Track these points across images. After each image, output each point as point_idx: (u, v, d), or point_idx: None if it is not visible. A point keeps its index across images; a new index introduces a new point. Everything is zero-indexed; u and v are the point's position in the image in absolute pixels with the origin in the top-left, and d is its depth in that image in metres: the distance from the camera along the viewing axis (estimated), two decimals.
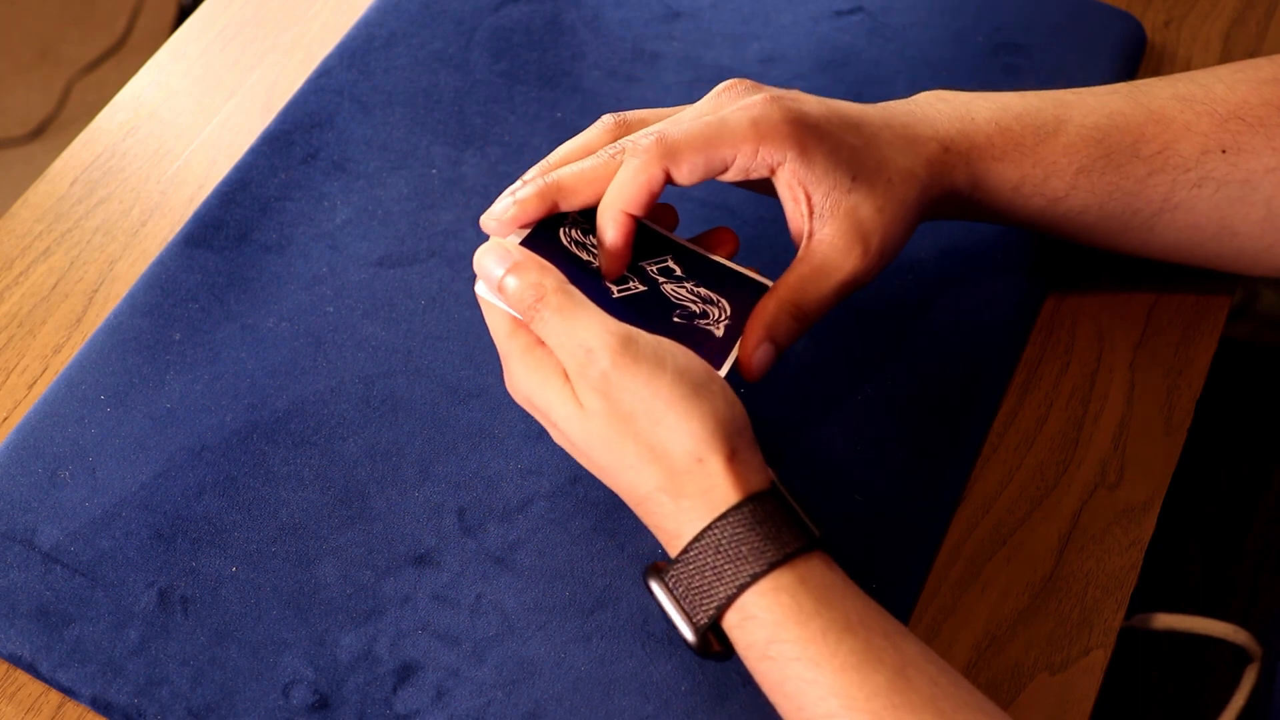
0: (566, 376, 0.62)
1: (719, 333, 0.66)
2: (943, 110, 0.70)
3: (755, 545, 0.59)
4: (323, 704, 0.66)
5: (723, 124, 0.65)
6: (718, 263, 0.68)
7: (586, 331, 0.61)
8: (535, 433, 0.73)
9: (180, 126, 0.87)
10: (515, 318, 0.64)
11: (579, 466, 0.71)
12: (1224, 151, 0.69)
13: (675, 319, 0.66)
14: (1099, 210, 0.70)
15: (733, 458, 0.60)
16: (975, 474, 0.74)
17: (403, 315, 0.77)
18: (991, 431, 0.75)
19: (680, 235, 0.70)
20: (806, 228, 0.66)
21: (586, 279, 0.66)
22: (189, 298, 0.78)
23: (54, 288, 0.80)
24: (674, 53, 0.88)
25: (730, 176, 0.66)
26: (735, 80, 0.68)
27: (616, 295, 0.66)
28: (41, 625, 0.68)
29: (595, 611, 0.68)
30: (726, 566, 0.59)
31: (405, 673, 0.67)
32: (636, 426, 0.60)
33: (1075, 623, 0.69)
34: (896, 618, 0.61)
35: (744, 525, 0.59)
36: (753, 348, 0.65)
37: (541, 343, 0.63)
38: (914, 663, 0.58)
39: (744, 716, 0.65)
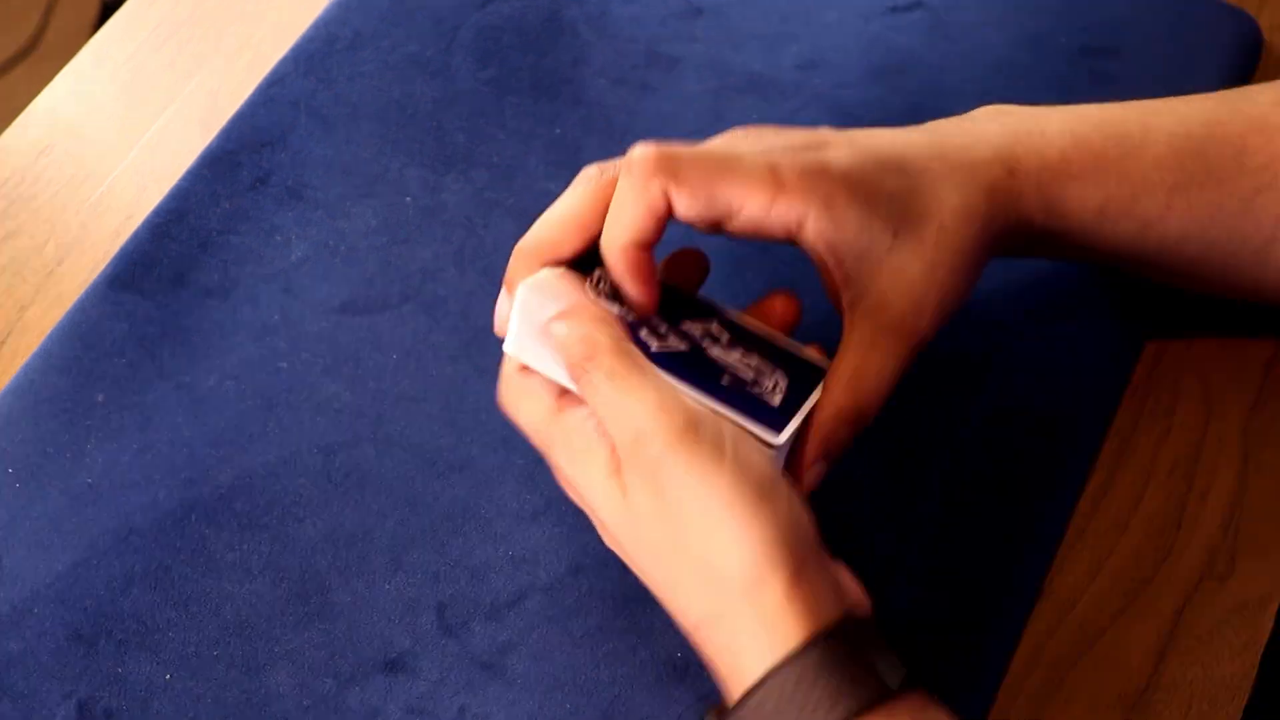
0: (615, 463, 0.63)
1: (775, 403, 0.66)
2: (1007, 124, 0.70)
3: (822, 698, 0.58)
4: None
5: (738, 159, 0.65)
6: (769, 341, 0.69)
7: (642, 406, 0.61)
8: (530, 513, 0.75)
9: (103, 145, 0.89)
10: (560, 389, 0.65)
11: (580, 554, 0.73)
12: None
13: (724, 383, 0.66)
14: (1200, 236, 0.71)
15: (797, 579, 0.59)
16: (1057, 563, 0.75)
17: (370, 372, 0.79)
18: (1077, 512, 0.76)
19: (725, 301, 0.71)
20: (846, 298, 0.67)
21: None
22: (114, 351, 0.80)
23: None
24: (695, 56, 0.90)
25: (741, 230, 0.66)
26: (753, 126, 0.69)
27: (656, 350, 0.66)
28: None
29: None
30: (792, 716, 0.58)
31: None
32: (688, 536, 0.60)
33: None
34: None
35: (809, 671, 0.58)
36: (808, 466, 0.66)
37: (588, 425, 0.64)
38: None
39: None
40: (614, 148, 0.69)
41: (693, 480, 0.60)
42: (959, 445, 0.77)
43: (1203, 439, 0.78)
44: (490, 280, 0.82)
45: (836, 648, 0.59)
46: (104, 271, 0.83)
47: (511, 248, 0.68)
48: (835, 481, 0.75)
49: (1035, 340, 0.80)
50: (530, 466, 0.75)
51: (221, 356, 0.80)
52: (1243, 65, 0.90)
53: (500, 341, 0.67)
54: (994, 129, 0.70)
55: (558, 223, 0.67)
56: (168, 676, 0.71)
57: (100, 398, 0.78)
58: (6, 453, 0.77)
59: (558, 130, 0.87)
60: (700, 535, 0.60)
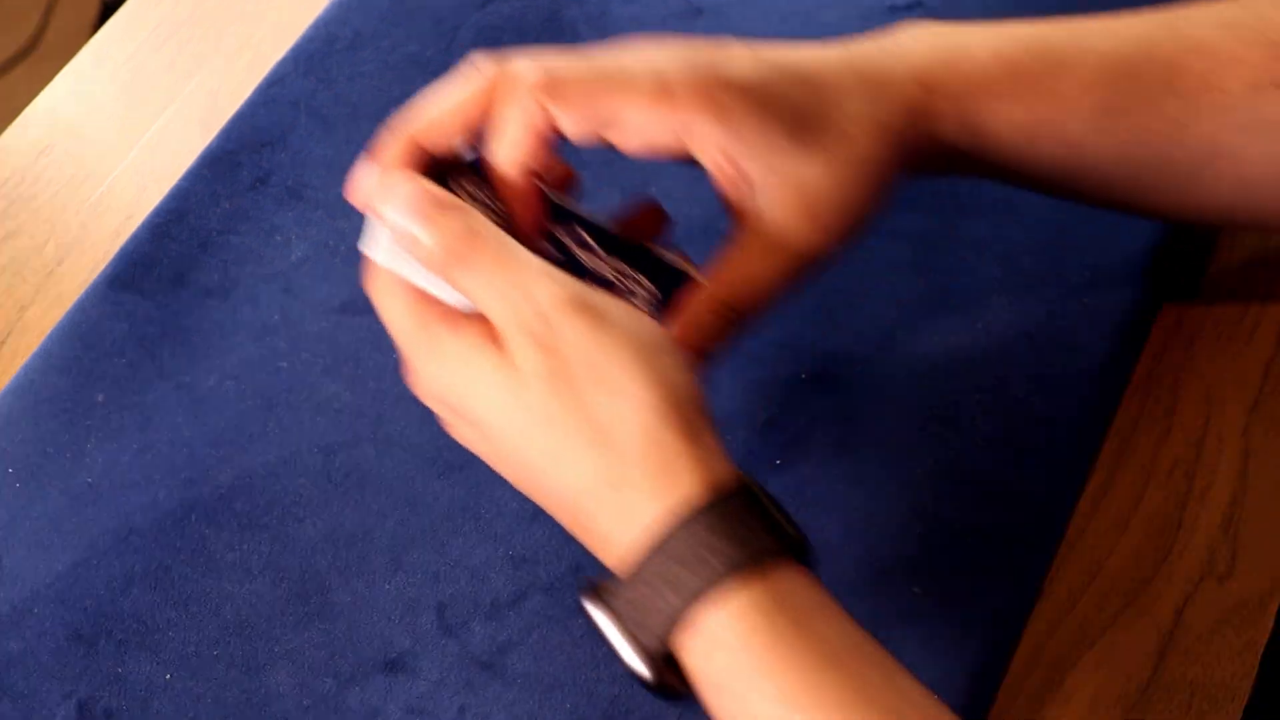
0: (495, 341, 0.61)
1: (640, 307, 0.65)
2: (928, 42, 0.68)
3: (720, 551, 0.57)
4: None
5: (621, 69, 0.64)
6: (636, 244, 0.68)
7: (528, 275, 0.60)
8: (530, 513, 0.75)
9: (104, 145, 0.89)
10: (420, 292, 0.63)
11: (582, 553, 0.73)
12: (1279, 88, 0.68)
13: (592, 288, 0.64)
14: (1128, 160, 0.69)
15: (691, 438, 0.59)
16: (1057, 563, 0.75)
17: (370, 372, 0.80)
18: (1076, 512, 0.76)
19: (594, 211, 0.70)
20: (740, 205, 0.65)
21: None
22: (114, 351, 0.81)
23: None
24: None
25: (630, 144, 0.65)
26: (652, 35, 0.68)
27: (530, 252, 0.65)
28: None
29: None
30: (685, 577, 0.57)
31: None
32: (580, 394, 0.59)
33: None
34: None
35: (706, 528, 0.57)
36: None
37: (456, 317, 0.62)
38: (912, 703, 0.57)
39: None
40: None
41: (585, 338, 0.59)
42: (959, 444, 0.77)
43: (1203, 439, 0.78)
44: None
45: (736, 501, 0.58)
46: (104, 271, 0.83)
47: None
48: (836, 481, 0.75)
49: (1035, 340, 0.80)
50: None
51: (221, 356, 0.80)
52: None
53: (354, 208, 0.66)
54: (914, 47, 0.68)
55: (442, 109, 0.65)
56: (168, 676, 0.71)
57: (100, 398, 0.79)
58: (6, 453, 0.77)
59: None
60: (593, 393, 0.59)
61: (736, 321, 0.65)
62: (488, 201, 0.66)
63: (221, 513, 0.75)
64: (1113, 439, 0.79)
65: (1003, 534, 0.74)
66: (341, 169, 0.86)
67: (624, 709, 0.70)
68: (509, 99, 0.64)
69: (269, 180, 0.86)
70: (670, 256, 0.68)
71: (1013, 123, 0.68)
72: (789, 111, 0.65)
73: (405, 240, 0.62)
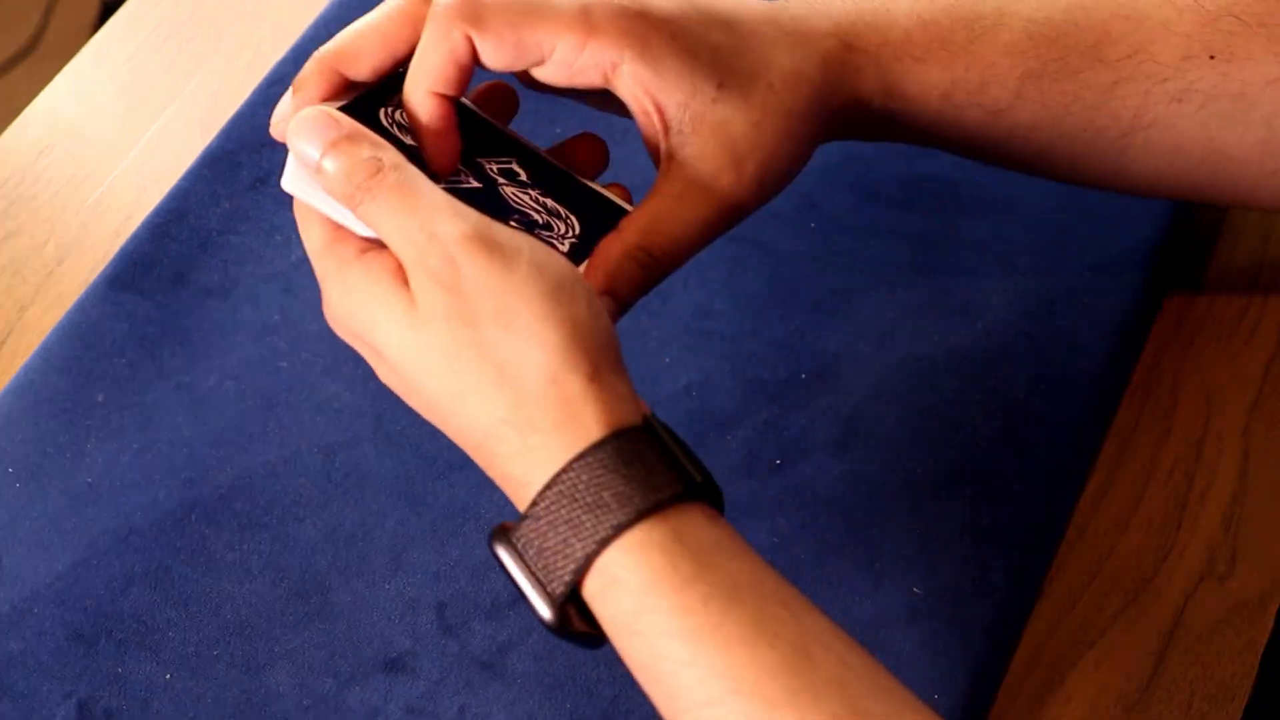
0: (401, 278, 0.60)
1: (563, 248, 0.64)
2: (848, 2, 0.68)
3: (620, 491, 0.57)
4: None
5: (547, 2, 0.63)
6: (572, 177, 0.67)
7: (432, 212, 0.59)
8: None
9: (104, 145, 0.90)
10: (335, 224, 0.63)
11: None
12: (1212, 58, 0.67)
13: (511, 223, 0.63)
14: (1053, 127, 0.69)
15: (595, 378, 0.58)
16: (1057, 562, 0.75)
17: (370, 372, 0.79)
18: (1077, 512, 0.77)
19: (537, 143, 0.69)
20: (663, 147, 0.64)
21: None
22: (114, 351, 0.81)
23: None
24: None
25: (553, 78, 0.64)
26: None
27: (444, 189, 0.63)
28: None
29: None
30: (585, 518, 0.57)
31: None
32: (482, 334, 0.58)
33: None
34: None
35: (606, 466, 0.57)
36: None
37: (368, 249, 0.62)
38: (818, 638, 0.56)
39: None
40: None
41: (489, 276, 0.58)
42: (959, 444, 0.77)
43: (1203, 439, 0.79)
44: None
45: (636, 442, 0.58)
46: (104, 271, 0.83)
47: None
48: (836, 481, 0.75)
49: (1035, 340, 0.80)
50: None
51: (221, 356, 0.80)
52: None
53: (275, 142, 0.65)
54: (835, 4, 0.67)
55: (360, 34, 0.64)
56: (168, 676, 0.71)
57: (100, 398, 0.79)
58: (6, 453, 0.77)
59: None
60: (496, 331, 0.58)
61: (654, 268, 0.64)
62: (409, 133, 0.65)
63: (221, 513, 0.75)
64: (1113, 439, 0.79)
65: (1003, 534, 0.75)
66: None
67: (624, 709, 0.70)
68: (430, 25, 0.63)
69: (269, 180, 0.86)
70: (606, 192, 0.67)
71: (930, 84, 0.67)
72: (713, 55, 0.64)
73: (311, 169, 0.62)
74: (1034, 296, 0.81)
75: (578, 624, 0.59)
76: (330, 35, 0.90)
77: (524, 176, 0.66)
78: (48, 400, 0.79)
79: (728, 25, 0.65)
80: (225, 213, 0.85)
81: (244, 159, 0.87)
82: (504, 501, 0.75)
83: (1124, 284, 0.81)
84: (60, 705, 0.71)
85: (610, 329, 0.60)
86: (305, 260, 0.82)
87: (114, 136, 0.90)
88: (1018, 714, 0.72)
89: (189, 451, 0.77)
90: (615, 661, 0.71)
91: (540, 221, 0.65)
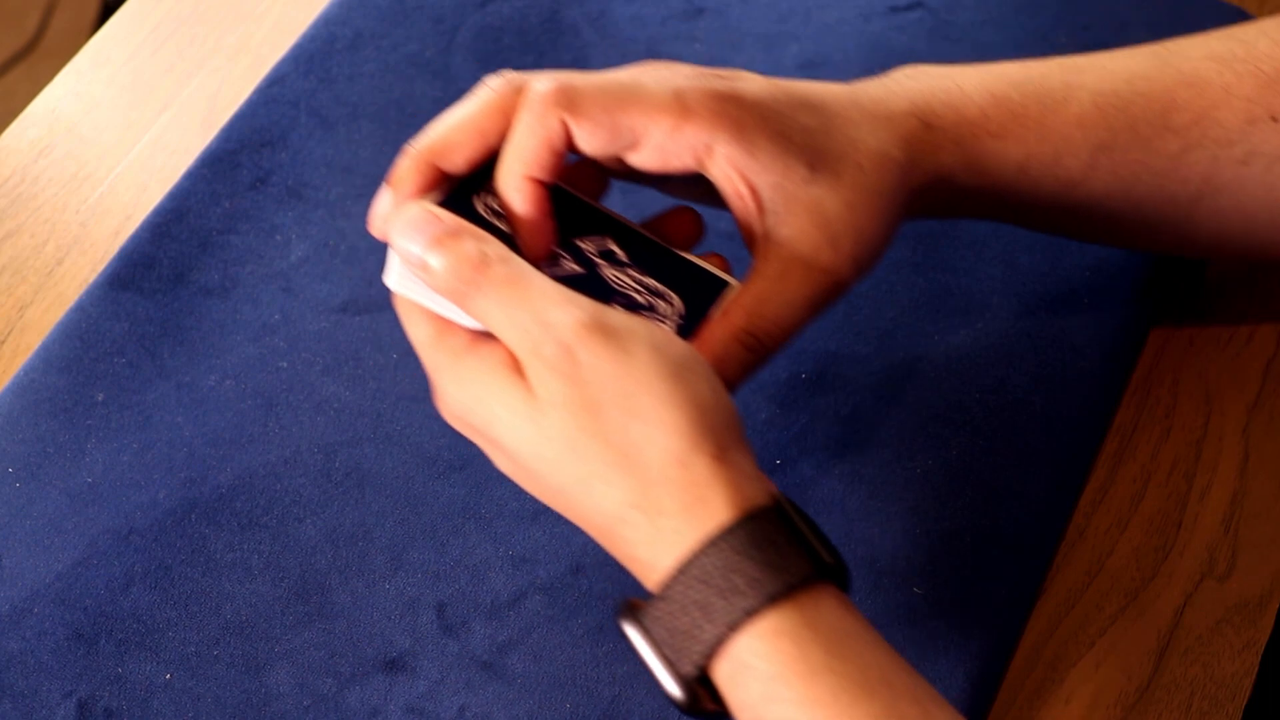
0: (516, 368, 0.61)
1: (670, 328, 0.65)
2: (923, 81, 0.69)
3: (751, 575, 0.57)
4: None
5: (639, 87, 0.64)
6: (670, 251, 0.67)
7: (543, 301, 0.60)
8: (530, 513, 0.75)
9: (104, 145, 0.90)
10: (441, 317, 0.63)
11: (580, 554, 0.74)
12: (1274, 120, 0.69)
13: (614, 306, 0.64)
14: (1125, 196, 0.70)
15: (721, 458, 0.58)
16: (1057, 562, 0.75)
17: (370, 371, 0.80)
18: (1077, 511, 0.77)
19: (629, 217, 0.69)
20: (758, 229, 0.65)
21: None
22: (114, 351, 0.81)
23: None
24: (696, 56, 0.90)
25: (647, 162, 0.65)
26: (662, 61, 0.68)
27: (547, 275, 0.63)
28: None
29: None
30: (716, 602, 0.57)
31: None
32: (605, 421, 0.59)
33: None
34: None
35: (736, 550, 0.57)
36: None
37: (478, 341, 0.62)
38: None
39: None
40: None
41: (607, 363, 0.59)
42: (959, 445, 0.77)
43: (1203, 439, 0.79)
44: None
45: (767, 524, 0.58)
46: (104, 271, 0.83)
47: None
48: (836, 481, 0.76)
49: (1036, 340, 0.80)
50: None
51: (221, 356, 0.80)
52: None
53: (376, 241, 0.65)
54: (911, 85, 0.69)
55: (455, 128, 0.65)
56: (168, 676, 0.71)
57: (100, 397, 0.79)
58: (6, 452, 0.77)
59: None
60: (618, 416, 0.59)
61: (760, 350, 0.65)
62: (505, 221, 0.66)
63: (221, 513, 0.75)
64: (1113, 439, 0.79)
65: (1003, 534, 0.75)
66: (342, 169, 0.86)
67: (624, 709, 0.70)
68: (526, 111, 0.64)
69: (269, 180, 0.86)
70: (705, 264, 0.67)
71: (1007, 158, 0.69)
72: (803, 137, 0.65)
73: (416, 267, 0.62)
74: (1034, 296, 0.81)
75: (708, 704, 0.60)
76: (330, 35, 0.91)
77: (622, 256, 0.66)
78: (48, 400, 0.79)
79: (814, 108, 0.66)
80: (225, 212, 0.85)
81: (244, 159, 0.87)
82: (504, 501, 0.75)
83: (1124, 284, 0.81)
84: (60, 705, 0.71)
85: (732, 406, 0.61)
86: (305, 260, 0.83)
87: (114, 136, 0.90)
88: (1018, 714, 0.72)
89: (189, 451, 0.77)
90: (615, 661, 0.71)
91: (643, 303, 0.65)
